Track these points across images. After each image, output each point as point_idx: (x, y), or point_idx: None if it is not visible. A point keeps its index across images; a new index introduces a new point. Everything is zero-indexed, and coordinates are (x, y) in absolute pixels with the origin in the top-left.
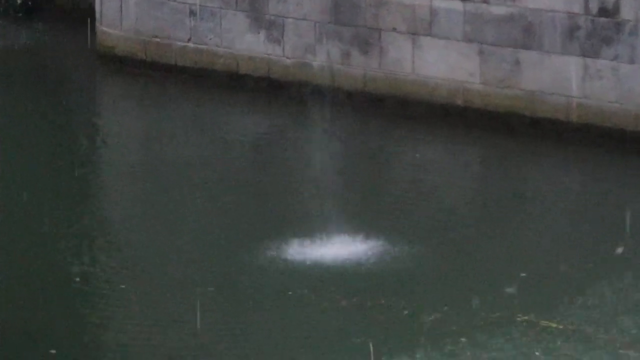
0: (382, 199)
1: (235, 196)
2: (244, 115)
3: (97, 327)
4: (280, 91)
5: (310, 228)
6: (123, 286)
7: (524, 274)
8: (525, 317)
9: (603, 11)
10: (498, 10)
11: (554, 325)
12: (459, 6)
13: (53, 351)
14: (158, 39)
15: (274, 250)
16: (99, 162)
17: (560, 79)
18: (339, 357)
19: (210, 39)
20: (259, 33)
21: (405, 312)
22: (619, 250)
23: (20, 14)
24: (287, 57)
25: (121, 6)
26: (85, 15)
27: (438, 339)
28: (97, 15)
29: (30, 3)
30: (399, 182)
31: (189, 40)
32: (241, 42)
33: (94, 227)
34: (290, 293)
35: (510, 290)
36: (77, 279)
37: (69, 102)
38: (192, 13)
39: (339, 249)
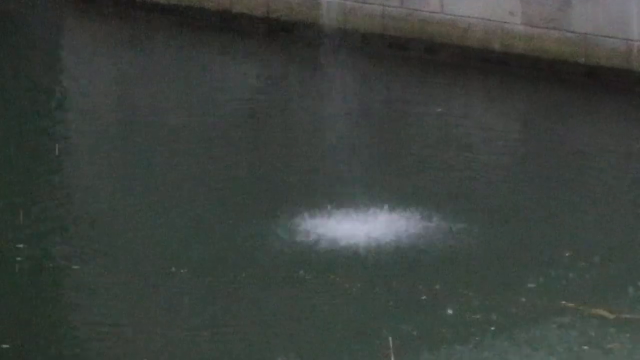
0: (403, 163)
1: (226, 160)
2: (239, 64)
3: (53, 315)
4: (281, 34)
5: (313, 198)
6: (77, 266)
7: (569, 253)
8: (571, 304)
9: None
10: None
11: (606, 314)
12: None
13: (6, 346)
14: None
15: (267, 224)
16: (63, 121)
17: (619, 19)
18: (335, 354)
19: None
20: None
21: (424, 297)
22: None
23: None
24: None
25: None
26: None
27: (461, 330)
28: None
29: None
30: (424, 143)
31: None
32: None
33: (51, 193)
34: (276, 274)
35: (553, 271)
36: (29, 258)
37: (28, 51)
38: None
39: (346, 222)
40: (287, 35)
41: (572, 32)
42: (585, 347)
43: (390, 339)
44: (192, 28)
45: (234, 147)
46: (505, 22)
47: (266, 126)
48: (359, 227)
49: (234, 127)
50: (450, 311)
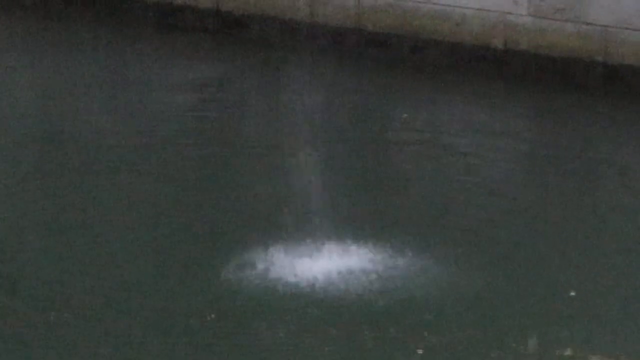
0: (384, 184)
1: (174, 184)
2: (185, 66)
3: None
4: (235, 30)
5: (281, 229)
6: None
7: (574, 292)
8: (569, 353)
9: None
10: None
11: None
12: None
13: None
14: None
15: (227, 262)
16: None
17: None
18: None
19: None
20: None
21: (420, 350)
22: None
23: None
24: None
25: None
26: None
27: None
28: None
29: None
30: (409, 160)
31: None
32: None
33: None
34: (239, 316)
35: (552, 313)
36: None
37: None
38: None
39: (322, 259)
40: (243, 32)
41: (590, 24)
42: None
43: None
44: (124, 24)
45: (181, 172)
46: (508, 13)
47: (219, 141)
48: (337, 266)
49: (182, 144)
50: None
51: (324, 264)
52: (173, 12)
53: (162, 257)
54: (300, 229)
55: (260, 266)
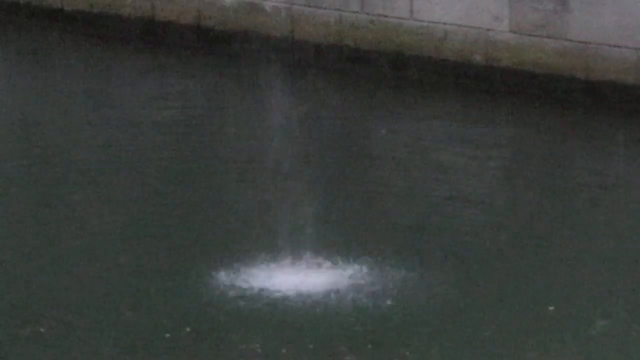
0: (363, 199)
1: (151, 198)
2: (164, 82)
3: None
4: (216, 46)
5: (259, 243)
6: None
7: (552, 307)
8: None
9: None
10: None
11: None
12: None
13: None
14: None
15: (203, 276)
16: None
17: (629, 24)
18: None
19: None
20: None
21: None
22: None
23: None
24: None
25: None
26: None
27: None
28: None
29: None
30: (389, 178)
31: None
32: None
33: None
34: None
35: (531, 328)
36: None
37: None
38: None
39: (299, 274)
40: (224, 48)
41: (570, 40)
42: None
43: None
44: (105, 39)
45: (159, 190)
46: (489, 30)
47: (198, 159)
48: (309, 284)
49: (160, 162)
50: None
51: (302, 278)
52: (154, 28)
53: (137, 270)
54: (277, 244)
55: (237, 280)
